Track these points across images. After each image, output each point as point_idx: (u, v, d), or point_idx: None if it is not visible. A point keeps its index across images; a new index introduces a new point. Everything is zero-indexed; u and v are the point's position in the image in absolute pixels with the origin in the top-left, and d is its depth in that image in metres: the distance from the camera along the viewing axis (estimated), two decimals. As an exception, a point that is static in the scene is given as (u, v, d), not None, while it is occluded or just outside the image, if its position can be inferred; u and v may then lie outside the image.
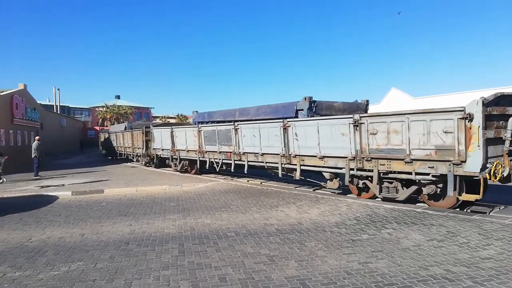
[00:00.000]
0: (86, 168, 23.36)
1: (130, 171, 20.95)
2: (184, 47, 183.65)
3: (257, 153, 13.39)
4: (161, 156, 21.05)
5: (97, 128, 56.41)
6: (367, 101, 14.58)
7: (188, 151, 17.81)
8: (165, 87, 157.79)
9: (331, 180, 11.33)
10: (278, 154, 12.46)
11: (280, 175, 12.71)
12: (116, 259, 5.99)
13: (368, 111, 13.92)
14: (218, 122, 17.00)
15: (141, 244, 6.80)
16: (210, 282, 4.99)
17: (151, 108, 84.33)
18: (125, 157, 28.98)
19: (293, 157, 11.98)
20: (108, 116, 63.85)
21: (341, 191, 11.94)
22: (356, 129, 9.90)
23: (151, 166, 22.77)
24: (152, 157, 22.27)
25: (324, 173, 11.36)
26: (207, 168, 16.69)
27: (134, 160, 26.53)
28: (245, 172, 14.14)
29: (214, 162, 15.93)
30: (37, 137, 20.24)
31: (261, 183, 14.93)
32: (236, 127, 14.17)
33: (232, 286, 4.84)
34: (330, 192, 12.06)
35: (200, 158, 16.89)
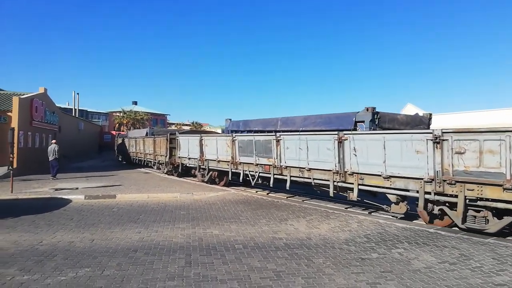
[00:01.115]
0: (100, 172, 23.66)
1: (143, 177, 21.12)
2: (204, 56, 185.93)
3: (303, 168, 12.00)
4: (187, 165, 19.78)
5: (114, 132, 57.19)
6: (430, 114, 13.15)
7: (218, 161, 16.53)
8: (181, 95, 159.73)
9: (397, 203, 9.84)
10: (330, 171, 11.03)
11: (331, 194, 11.10)
12: (123, 267, 6.02)
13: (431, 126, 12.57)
14: (255, 131, 15.91)
15: (149, 253, 6.81)
16: (214, 295, 4.95)
17: (167, 115, 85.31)
18: (143, 164, 28.01)
19: (349, 174, 10.53)
20: (125, 122, 64.75)
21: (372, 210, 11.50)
22: (437, 147, 8.48)
23: (173, 175, 21.71)
24: (176, 165, 21.10)
25: (389, 196, 9.91)
26: (240, 181, 15.29)
27: (155, 167, 25.61)
28: (287, 188, 12.70)
29: (249, 175, 14.63)
30: (53, 140, 20.62)
31: (267, 193, 14.83)
32: (278, 138, 12.87)
33: (237, 301, 4.79)
34: (341, 208, 11.91)
35: (233, 170, 15.55)
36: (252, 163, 14.30)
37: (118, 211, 10.88)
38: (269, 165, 13.44)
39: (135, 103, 79.93)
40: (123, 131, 57.26)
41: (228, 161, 15.71)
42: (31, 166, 21.02)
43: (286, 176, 12.68)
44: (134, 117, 64.87)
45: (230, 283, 5.41)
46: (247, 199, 13.49)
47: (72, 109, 50.67)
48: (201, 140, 17.89)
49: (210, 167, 17.33)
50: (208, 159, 17.31)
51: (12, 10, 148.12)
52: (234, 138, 15.29)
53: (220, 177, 17.21)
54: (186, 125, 79.48)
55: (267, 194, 14.71)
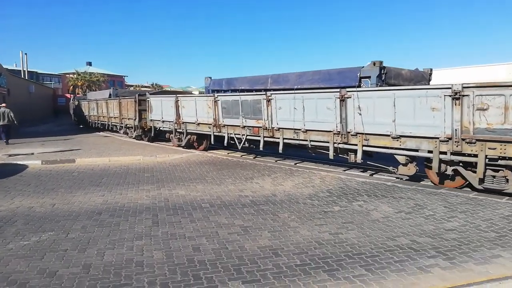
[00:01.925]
0: (56, 136, 22.65)
1: (103, 141, 20.49)
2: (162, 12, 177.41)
3: (298, 130, 11.11)
4: (161, 128, 18.26)
5: (68, 95, 54.40)
6: (431, 69, 12.25)
7: (198, 124, 15.17)
8: (139, 55, 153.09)
9: (405, 164, 9.26)
10: (329, 132, 10.23)
11: (331, 156, 10.40)
12: (88, 229, 5.94)
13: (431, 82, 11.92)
14: (241, 91, 14.49)
15: (114, 215, 6.75)
16: (184, 252, 5.04)
17: (124, 76, 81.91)
18: (108, 128, 25.78)
19: (352, 135, 9.77)
20: (80, 84, 61.64)
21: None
22: (456, 103, 7.86)
23: (143, 139, 20.22)
24: (147, 129, 19.42)
25: (397, 157, 9.32)
26: (225, 144, 14.18)
27: (121, 132, 23.41)
28: (280, 151, 11.88)
29: (235, 139, 13.52)
30: (3, 104, 19.37)
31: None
32: (269, 97, 11.79)
33: (206, 256, 4.91)
34: (303, 165, 12.22)
35: (215, 133, 14.38)
36: (238, 126, 13.26)
37: (78, 175, 10.58)
38: (259, 127, 12.44)
39: (89, 64, 75.80)
40: (78, 93, 54.59)
41: (210, 124, 14.53)
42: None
43: (278, 138, 11.82)
44: (89, 78, 61.81)
45: (199, 239, 5.51)
46: (212, 160, 13.52)
47: (20, 70, 47.37)
48: (177, 101, 16.33)
49: (188, 131, 16.04)
50: (186, 122, 15.96)
51: None
52: (217, 99, 13.99)
53: (199, 141, 16.16)
54: (145, 87, 76.95)
55: (254, 158, 14.09)
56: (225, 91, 15.97)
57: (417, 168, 9.24)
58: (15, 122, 18.43)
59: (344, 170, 11.28)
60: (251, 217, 6.59)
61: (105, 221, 6.40)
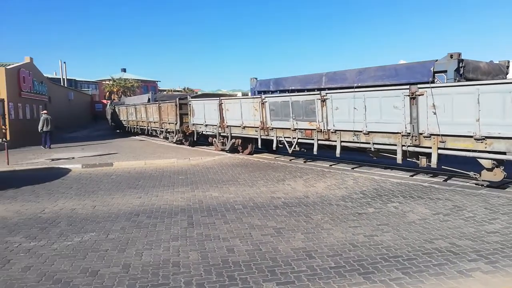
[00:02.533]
0: (95, 141, 23.58)
1: (139, 145, 21.12)
2: (192, 20, 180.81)
3: (359, 132, 10.20)
4: (204, 132, 17.65)
5: (105, 101, 56.45)
6: (508, 62, 11.08)
7: (244, 127, 14.52)
8: (170, 61, 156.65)
9: (490, 169, 8.14)
10: (397, 133, 9.30)
11: (399, 160, 9.39)
12: (127, 230, 6.15)
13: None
14: (291, 91, 13.62)
15: (151, 216, 6.95)
16: (218, 253, 5.12)
17: (157, 81, 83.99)
18: (147, 133, 25.61)
19: (425, 137, 8.78)
20: (115, 90, 63.75)
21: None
22: None
23: (183, 144, 19.89)
24: (189, 133, 18.99)
25: (481, 161, 8.24)
26: (274, 148, 13.43)
27: (161, 137, 23.17)
28: (337, 155, 10.97)
29: (285, 142, 12.80)
30: (44, 111, 20.44)
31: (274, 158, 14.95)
32: (324, 97, 10.94)
33: (240, 257, 4.97)
34: (337, 167, 12.09)
35: (263, 137, 13.70)
36: (289, 128, 12.46)
37: (116, 178, 10.97)
38: (312, 129, 11.63)
39: (124, 70, 78.30)
40: (114, 99, 56.51)
41: (257, 127, 13.78)
42: (24, 137, 20.82)
43: (335, 141, 10.92)
44: (124, 84, 63.83)
45: (233, 240, 5.58)
46: (244, 162, 13.62)
47: (60, 78, 49.64)
48: (220, 104, 15.64)
49: (233, 134, 15.33)
50: (230, 125, 15.30)
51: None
52: (264, 100, 13.27)
53: (244, 145, 15.52)
54: (177, 91, 78.38)
55: (304, 162, 13.21)
56: (272, 92, 15.30)
57: (504, 173, 8.10)
58: (49, 128, 19.27)
59: (381, 171, 11.03)
60: (283, 219, 6.60)
61: (143, 222, 6.60)
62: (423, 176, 10.12)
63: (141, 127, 26.53)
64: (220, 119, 15.75)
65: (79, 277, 4.47)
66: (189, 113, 18.43)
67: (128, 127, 29.62)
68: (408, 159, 9.53)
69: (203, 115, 17.17)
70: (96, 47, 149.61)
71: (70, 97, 41.08)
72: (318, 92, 11.30)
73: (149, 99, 27.19)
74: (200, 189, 9.22)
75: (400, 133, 9.25)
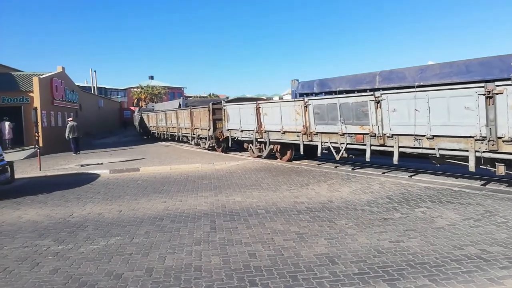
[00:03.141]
0: (123, 147, 24.18)
1: (164, 150, 21.47)
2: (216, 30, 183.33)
3: (421, 136, 9.19)
4: (239, 138, 16.83)
5: (133, 108, 57.88)
6: None
7: (284, 132, 13.67)
8: (196, 68, 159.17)
9: None
10: (469, 137, 8.27)
11: (472, 168, 8.34)
12: (151, 235, 6.24)
13: None
14: (339, 92, 12.89)
15: (174, 220, 7.02)
16: (240, 257, 5.11)
17: (183, 88, 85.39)
18: (177, 139, 25.09)
19: (505, 141, 7.70)
20: (143, 97, 65.28)
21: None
22: None
23: (216, 150, 19.22)
24: (222, 139, 18.28)
25: None
26: (318, 155, 12.43)
27: (192, 143, 22.53)
28: (395, 162, 9.94)
29: (332, 148, 11.88)
30: (70, 119, 21.31)
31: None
32: (379, 98, 10.01)
33: (262, 262, 4.93)
34: (362, 171, 11.86)
35: (305, 142, 12.81)
36: (336, 133, 11.49)
37: (142, 183, 11.17)
38: (363, 134, 10.71)
39: (151, 77, 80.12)
40: (142, 106, 57.86)
41: (299, 132, 12.92)
42: (56, 144, 21.62)
43: (392, 147, 9.96)
44: (151, 91, 65.29)
45: (255, 245, 5.55)
46: (267, 166, 13.59)
47: (90, 87, 51.35)
48: (258, 108, 14.91)
49: (271, 140, 14.57)
50: (269, 131, 14.50)
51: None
52: (307, 103, 12.39)
53: (282, 151, 14.72)
54: (203, 97, 79.46)
55: (352, 169, 12.15)
56: (316, 94, 14.35)
57: None
58: (76, 135, 20.41)
59: (408, 176, 10.72)
60: (307, 224, 6.52)
61: (166, 226, 6.68)
62: (453, 180, 9.78)
63: (171, 133, 26.14)
64: (258, 124, 15.04)
65: (104, 280, 4.55)
66: (223, 118, 17.76)
67: (157, 133, 29.42)
68: (482, 166, 8.44)
69: (238, 120, 16.53)
70: (126, 56, 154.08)
71: (100, 105, 42.37)
72: (372, 93, 10.37)
73: (180, 104, 26.82)
74: (223, 193, 9.25)
75: (473, 137, 8.20)
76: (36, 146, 14.37)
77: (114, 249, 5.61)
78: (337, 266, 4.72)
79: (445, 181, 9.65)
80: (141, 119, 36.14)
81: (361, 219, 6.72)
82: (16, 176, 11.24)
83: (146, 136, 34.34)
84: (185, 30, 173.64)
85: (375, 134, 10.33)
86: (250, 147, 16.28)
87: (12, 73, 25.30)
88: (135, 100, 66.77)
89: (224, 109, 17.59)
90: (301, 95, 14.86)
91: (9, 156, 14.82)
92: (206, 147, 19.98)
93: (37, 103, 21.01)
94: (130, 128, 46.82)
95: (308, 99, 12.61)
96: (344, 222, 6.57)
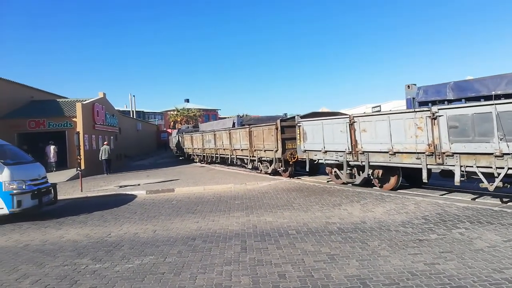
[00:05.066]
0: (159, 168, 24.89)
1: (199, 171, 21.89)
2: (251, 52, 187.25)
3: None
4: (323, 161, 13.95)
5: (169, 130, 59.62)
6: None
7: (393, 153, 10.91)
8: (229, 89, 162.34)
9: None
10: None
11: None
12: (183, 254, 6.37)
13: None
14: (488, 98, 9.77)
15: (206, 240, 7.14)
16: (269, 278, 5.11)
17: (217, 110, 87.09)
18: (229, 162, 22.37)
19: None
20: (179, 119, 67.17)
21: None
22: None
23: (280, 175, 16.60)
24: (292, 162, 15.79)
25: None
26: (456, 183, 9.31)
27: (250, 166, 19.62)
28: None
29: (479, 174, 8.87)
30: (105, 142, 22.92)
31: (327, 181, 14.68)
32: None
33: (291, 283, 4.91)
34: (396, 191, 11.55)
35: (432, 166, 10.01)
36: (489, 154, 8.60)
37: (177, 204, 11.43)
38: None
39: (187, 100, 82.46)
40: (178, 128, 59.50)
41: (421, 152, 10.12)
42: (97, 166, 22.59)
43: None
44: (187, 114, 67.09)
45: (285, 266, 5.54)
46: (299, 186, 13.53)
47: (129, 111, 53.56)
48: (352, 124, 12.30)
49: (371, 163, 11.85)
50: (368, 151, 11.82)
51: (68, 20, 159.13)
52: (437, 113, 9.64)
53: (385, 177, 11.89)
54: (248, 116, 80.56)
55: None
56: (450, 101, 11.30)
57: None
58: (107, 157, 22.54)
59: (442, 195, 10.34)
60: (338, 245, 6.43)
61: (198, 246, 6.80)
62: (493, 199, 9.33)
63: (221, 155, 23.35)
64: (351, 143, 12.37)
65: (137, 298, 4.70)
66: (298, 137, 15.03)
67: (205, 155, 26.95)
68: None
69: (320, 138, 13.80)
70: (163, 81, 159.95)
71: (138, 128, 44.01)
72: None
73: (233, 123, 24.03)
74: (254, 214, 9.30)
75: None
76: (78, 168, 15.11)
77: (148, 268, 5.77)
78: (368, 288, 4.63)
79: (484, 201, 9.23)
80: (178, 141, 36.69)
81: (395, 240, 6.54)
82: (59, 197, 11.88)
83: (182, 157, 35.13)
84: (220, 55, 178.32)
85: None
86: (335, 171, 13.68)
87: (57, 100, 26.95)
88: (172, 123, 68.76)
89: (300, 125, 14.90)
90: (424, 104, 11.98)
91: (53, 178, 15.64)
92: (269, 171, 17.40)
93: (79, 127, 22.20)
94: (167, 150, 48.15)
95: (439, 108, 9.78)
96: (377, 243, 6.43)
